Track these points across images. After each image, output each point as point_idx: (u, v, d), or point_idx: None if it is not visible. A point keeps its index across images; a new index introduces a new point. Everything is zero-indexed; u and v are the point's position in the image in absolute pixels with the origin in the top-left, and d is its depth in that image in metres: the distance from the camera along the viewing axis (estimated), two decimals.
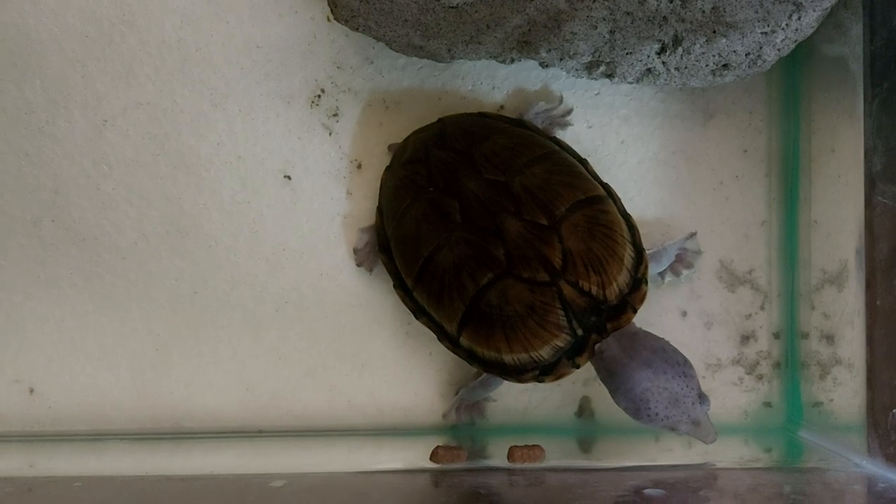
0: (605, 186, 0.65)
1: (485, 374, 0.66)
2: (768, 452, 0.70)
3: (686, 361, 0.60)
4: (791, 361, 0.71)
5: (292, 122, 0.71)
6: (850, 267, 0.65)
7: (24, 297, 0.71)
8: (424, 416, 0.71)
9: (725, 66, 0.62)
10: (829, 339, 0.67)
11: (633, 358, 0.59)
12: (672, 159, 0.71)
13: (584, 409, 0.71)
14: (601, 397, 0.69)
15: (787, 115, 0.72)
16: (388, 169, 0.69)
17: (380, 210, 0.68)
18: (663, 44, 0.62)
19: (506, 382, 0.65)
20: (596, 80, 0.65)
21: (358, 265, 0.71)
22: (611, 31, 0.61)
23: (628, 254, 0.62)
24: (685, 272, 0.71)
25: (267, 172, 0.71)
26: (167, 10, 0.70)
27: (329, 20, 0.70)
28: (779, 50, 0.62)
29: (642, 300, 0.61)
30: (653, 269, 0.67)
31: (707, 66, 0.62)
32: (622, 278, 0.61)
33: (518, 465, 0.65)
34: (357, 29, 0.64)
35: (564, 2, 0.61)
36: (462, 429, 0.71)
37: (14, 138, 0.71)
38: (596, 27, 0.61)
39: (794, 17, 0.60)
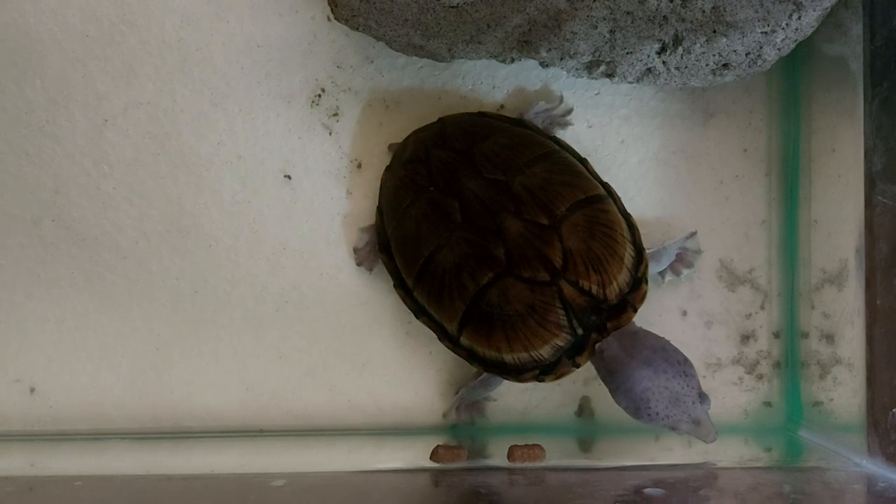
0: (606, 186, 0.65)
1: (485, 374, 0.66)
2: (768, 452, 0.70)
3: (686, 361, 0.60)
4: (791, 361, 0.71)
5: (293, 121, 0.71)
6: (850, 266, 0.65)
7: (25, 296, 0.71)
8: (425, 415, 0.71)
9: (726, 65, 0.62)
10: (829, 338, 0.68)
11: (633, 357, 0.59)
12: (672, 159, 0.72)
13: (584, 409, 0.71)
14: (601, 397, 0.69)
15: (787, 115, 0.72)
16: (388, 168, 0.69)
17: (380, 210, 0.69)
18: (663, 43, 0.62)
19: (506, 382, 0.65)
20: (596, 79, 0.65)
21: (358, 265, 0.71)
22: (611, 31, 0.61)
23: (628, 253, 0.62)
24: (685, 271, 0.71)
25: (267, 172, 0.71)
26: (167, 10, 0.70)
27: (329, 20, 0.70)
28: (779, 49, 0.62)
29: (642, 299, 0.61)
30: (653, 269, 0.67)
31: (707, 65, 0.62)
32: (622, 277, 0.61)
33: (518, 465, 0.65)
34: (357, 28, 0.64)
35: (565, 1, 0.61)
36: (462, 428, 0.71)
37: (14, 138, 0.71)
38: (596, 27, 0.61)
39: (795, 16, 0.60)
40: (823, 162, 0.69)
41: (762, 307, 0.72)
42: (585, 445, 0.71)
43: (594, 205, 0.62)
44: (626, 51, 0.62)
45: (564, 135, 0.70)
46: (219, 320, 0.71)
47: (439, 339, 0.65)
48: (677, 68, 0.63)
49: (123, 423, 0.71)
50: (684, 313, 0.71)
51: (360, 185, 0.71)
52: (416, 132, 0.69)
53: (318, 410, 0.71)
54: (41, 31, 0.70)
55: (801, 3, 0.60)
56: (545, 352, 0.60)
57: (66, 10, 0.70)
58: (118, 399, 0.71)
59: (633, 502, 0.57)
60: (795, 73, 0.71)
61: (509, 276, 0.60)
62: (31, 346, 0.71)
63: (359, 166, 0.71)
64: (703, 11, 0.60)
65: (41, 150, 0.71)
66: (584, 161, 0.67)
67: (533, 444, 0.66)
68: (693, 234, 0.70)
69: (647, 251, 0.64)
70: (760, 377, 0.72)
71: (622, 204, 0.65)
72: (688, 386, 0.59)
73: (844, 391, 0.66)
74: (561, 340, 0.60)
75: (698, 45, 0.61)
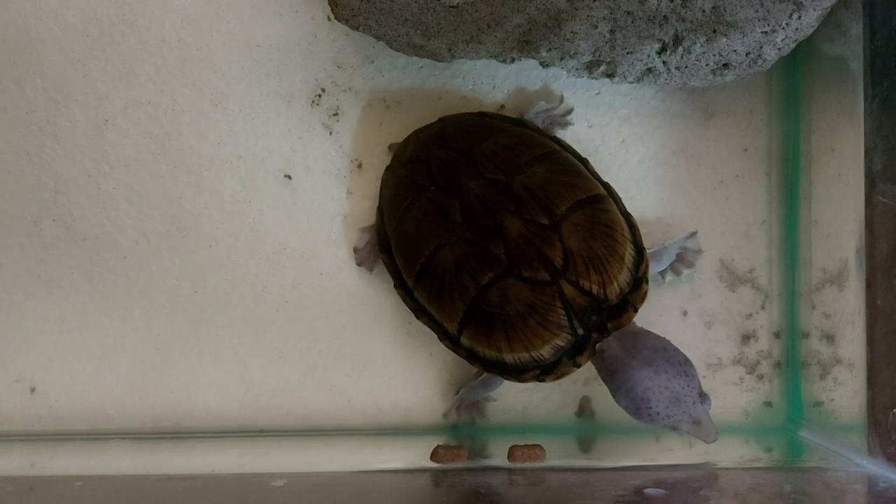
0: (606, 186, 0.65)
1: (485, 374, 0.66)
2: (769, 452, 0.70)
3: (687, 361, 0.60)
4: (791, 361, 0.71)
5: (293, 121, 0.71)
6: (850, 266, 0.65)
7: (25, 296, 0.71)
8: (425, 415, 0.71)
9: (726, 65, 0.62)
10: (830, 338, 0.67)
11: (633, 357, 0.59)
12: (672, 158, 0.71)
13: (585, 409, 0.71)
14: (601, 397, 0.69)
15: (787, 115, 0.72)
16: (388, 168, 0.69)
17: (380, 210, 0.68)
18: (664, 43, 0.62)
19: (506, 382, 0.65)
20: (596, 79, 0.65)
21: (358, 265, 0.71)
22: (611, 31, 0.61)
23: (629, 253, 0.62)
24: (686, 271, 0.71)
25: (267, 172, 0.71)
26: (168, 10, 0.70)
27: (329, 19, 0.70)
28: (779, 49, 0.62)
29: (643, 299, 0.61)
30: (653, 269, 0.67)
31: (707, 65, 0.62)
32: (623, 277, 0.61)
33: (518, 465, 0.65)
34: (357, 28, 0.64)
35: (565, 1, 0.61)
36: (462, 428, 0.71)
37: (15, 137, 0.71)
38: (596, 26, 0.61)
39: (795, 16, 0.60)
40: (824, 161, 0.69)
41: (763, 307, 0.72)
42: (586, 446, 0.71)
43: (595, 204, 0.62)
44: (627, 51, 0.62)
45: (565, 135, 0.70)
46: (219, 320, 0.71)
47: (439, 339, 0.65)
48: (677, 68, 0.63)
49: (123, 423, 0.71)
50: (685, 313, 0.71)
51: (360, 185, 0.71)
52: (416, 132, 0.69)
53: (318, 410, 0.71)
54: (41, 31, 0.70)
55: (801, 2, 0.60)
56: (546, 352, 0.60)
57: (66, 10, 0.70)
58: (118, 399, 0.71)
59: (634, 502, 0.57)
60: (796, 73, 0.71)
61: (510, 275, 0.60)
62: (31, 346, 0.71)
63: (359, 166, 0.71)
64: (704, 11, 0.60)
65: (41, 149, 0.71)
66: (584, 161, 0.67)
67: (533, 445, 0.66)
68: (693, 234, 0.70)
69: (648, 251, 0.64)
70: (761, 377, 0.72)
71: (622, 204, 0.65)
72: (688, 386, 0.59)
73: (845, 391, 0.66)
74: (561, 340, 0.60)
75: (698, 44, 0.61)
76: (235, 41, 0.70)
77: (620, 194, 0.66)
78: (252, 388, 0.71)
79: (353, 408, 0.71)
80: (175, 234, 0.71)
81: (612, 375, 0.60)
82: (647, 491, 0.58)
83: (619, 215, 0.63)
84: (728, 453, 0.67)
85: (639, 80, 0.64)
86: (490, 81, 0.71)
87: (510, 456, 0.65)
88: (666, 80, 0.64)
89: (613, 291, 0.60)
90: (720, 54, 0.61)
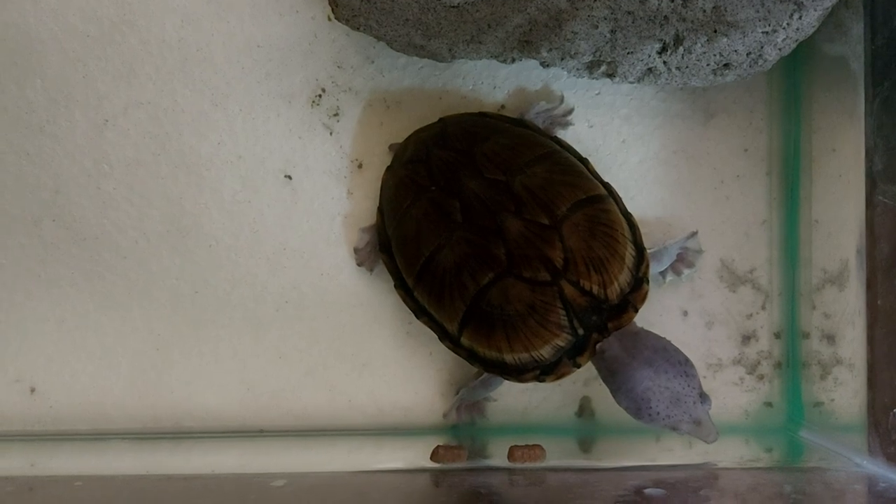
0: (606, 186, 0.65)
1: (485, 374, 0.66)
2: (769, 452, 0.70)
3: (687, 361, 0.60)
4: (792, 361, 0.71)
5: (293, 121, 0.71)
6: (850, 266, 0.65)
7: (25, 296, 0.71)
8: (425, 415, 0.71)
9: (726, 65, 0.62)
10: (830, 338, 0.67)
11: (634, 357, 0.59)
12: (673, 158, 0.71)
13: (585, 409, 0.71)
14: (602, 397, 0.69)
15: (787, 115, 0.72)
16: (388, 168, 0.69)
17: (380, 210, 0.68)
18: (664, 43, 0.62)
19: (506, 382, 0.65)
20: (597, 79, 0.65)
21: (359, 265, 0.71)
22: (612, 31, 0.61)
23: (629, 253, 0.62)
24: (686, 271, 0.71)
25: (268, 172, 0.71)
26: (168, 10, 0.70)
27: (330, 19, 0.70)
28: (780, 49, 0.62)
29: (643, 299, 0.61)
30: (654, 269, 0.67)
31: (708, 65, 0.62)
32: (623, 277, 0.61)
33: (518, 465, 0.65)
34: (358, 28, 0.64)
35: (566, 1, 0.61)
36: (462, 428, 0.71)
37: (15, 137, 0.71)
38: (597, 27, 0.61)
39: (796, 16, 0.60)
40: (824, 161, 0.69)
41: (763, 307, 0.72)
42: (586, 446, 0.71)
43: (595, 204, 0.62)
44: (627, 51, 0.62)
45: (565, 135, 0.70)
46: (219, 320, 0.71)
47: (440, 339, 0.65)
48: (678, 68, 0.63)
49: (123, 423, 0.71)
50: (685, 313, 0.71)
51: (360, 185, 0.71)
52: (416, 132, 0.69)
53: (318, 410, 0.71)
54: (41, 31, 0.70)
55: (801, 2, 0.60)
56: (546, 352, 0.60)
57: (66, 10, 0.70)
58: (118, 399, 0.71)
59: (634, 502, 0.57)
60: (796, 73, 0.71)
61: (510, 275, 0.60)
62: (31, 346, 0.71)
63: (359, 166, 0.71)
64: (704, 11, 0.60)
65: (41, 149, 0.71)
66: (584, 161, 0.66)
67: (533, 445, 0.66)
68: (694, 234, 0.70)
69: (648, 251, 0.64)
70: (761, 377, 0.72)
71: (623, 204, 0.65)
72: (689, 386, 0.59)
73: (845, 391, 0.66)
74: (562, 340, 0.60)
75: (699, 44, 0.61)
76: (235, 41, 0.70)
77: (621, 194, 0.65)
78: (252, 388, 0.71)
79: (353, 408, 0.71)
80: (175, 234, 0.71)
81: (612, 376, 0.60)
82: (648, 491, 0.58)
83: (620, 215, 0.63)
84: (728, 453, 0.67)
85: (639, 80, 0.64)
86: (490, 81, 0.71)
87: (510, 456, 0.65)
88: (666, 80, 0.64)
89: (614, 291, 0.60)
90: (721, 54, 0.61)
